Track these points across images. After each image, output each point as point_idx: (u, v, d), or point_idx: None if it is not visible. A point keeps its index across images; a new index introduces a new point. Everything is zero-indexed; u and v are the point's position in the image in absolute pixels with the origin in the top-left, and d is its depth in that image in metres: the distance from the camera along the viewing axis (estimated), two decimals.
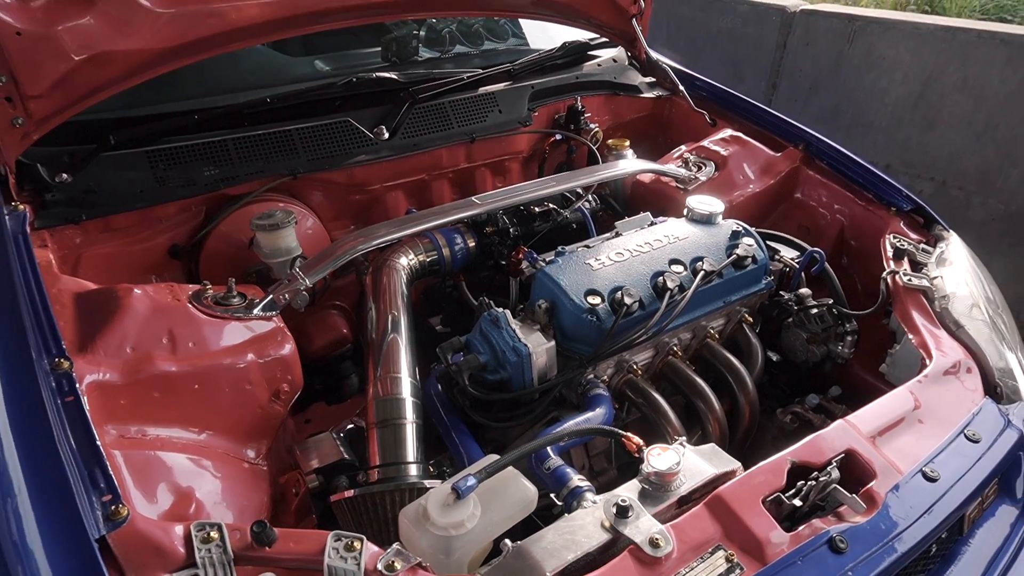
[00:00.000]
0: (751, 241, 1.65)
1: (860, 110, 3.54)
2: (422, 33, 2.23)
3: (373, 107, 1.90)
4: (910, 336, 1.49)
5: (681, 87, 2.34)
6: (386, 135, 1.84)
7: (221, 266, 1.69)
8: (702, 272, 1.52)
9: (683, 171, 1.98)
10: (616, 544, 1.04)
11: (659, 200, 2.00)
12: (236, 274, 1.70)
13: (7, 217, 1.38)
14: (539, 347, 1.37)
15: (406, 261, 1.65)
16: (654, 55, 2.41)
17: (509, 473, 1.12)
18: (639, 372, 1.50)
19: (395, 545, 0.96)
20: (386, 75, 1.93)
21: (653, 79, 2.43)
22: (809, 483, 1.11)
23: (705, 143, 2.10)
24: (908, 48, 3.33)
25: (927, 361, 1.41)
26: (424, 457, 1.29)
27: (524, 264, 1.61)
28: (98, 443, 1.02)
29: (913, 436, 1.25)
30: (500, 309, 1.41)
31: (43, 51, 1.42)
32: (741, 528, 1.04)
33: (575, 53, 2.32)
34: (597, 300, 1.42)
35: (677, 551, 1.00)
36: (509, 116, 2.03)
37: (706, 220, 1.70)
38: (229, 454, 1.30)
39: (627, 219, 1.79)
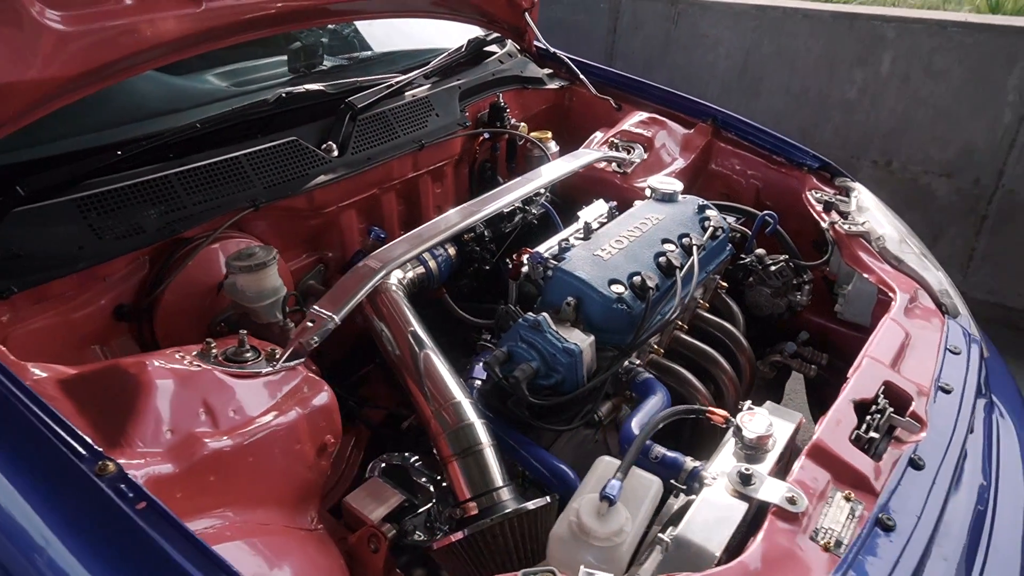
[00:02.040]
0: (714, 212, 1.78)
1: (693, 84, 3.89)
2: (325, 41, 2.09)
3: (309, 123, 1.75)
4: (866, 276, 1.71)
5: (581, 75, 2.43)
6: (336, 151, 1.71)
7: (182, 321, 1.48)
8: (695, 246, 1.61)
9: (628, 156, 2.06)
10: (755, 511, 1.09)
11: (596, 187, 2.07)
12: (200, 327, 1.50)
13: None
14: (585, 344, 1.38)
15: (396, 279, 1.56)
16: (549, 47, 2.47)
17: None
18: (660, 351, 1.56)
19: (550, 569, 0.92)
20: (315, 87, 1.79)
21: (551, 71, 2.49)
22: (875, 416, 1.24)
23: (627, 127, 2.20)
24: (727, 26, 3.73)
25: (891, 295, 1.62)
26: (509, 478, 1.25)
27: (526, 266, 1.59)
28: (206, 545, 0.87)
29: (914, 359, 1.44)
30: (541, 314, 1.39)
31: None
32: (846, 469, 1.15)
33: (477, 50, 2.31)
34: (621, 288, 1.46)
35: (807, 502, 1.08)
36: (447, 119, 1.98)
37: (670, 199, 1.80)
38: (290, 526, 1.16)
39: (587, 208, 1.84)
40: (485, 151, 2.22)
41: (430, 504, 1.28)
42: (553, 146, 2.20)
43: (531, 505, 1.14)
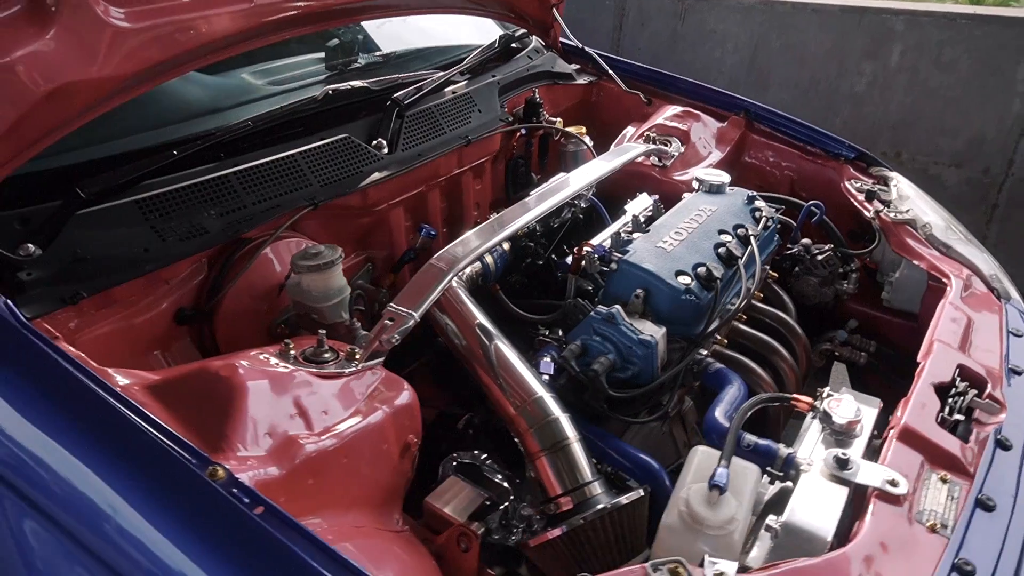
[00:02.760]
0: (762, 203, 1.79)
1: (700, 79, 3.89)
2: (360, 38, 2.06)
3: (356, 120, 1.73)
4: (917, 263, 1.73)
5: (610, 70, 2.43)
6: (386, 148, 1.69)
7: (242, 323, 1.45)
8: (752, 236, 1.62)
9: (668, 150, 2.06)
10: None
11: (635, 181, 2.06)
12: (260, 329, 1.48)
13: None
14: (659, 335, 1.37)
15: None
16: (578, 42, 2.46)
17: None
18: (724, 341, 1.57)
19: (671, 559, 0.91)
20: (360, 84, 1.77)
21: (578, 66, 2.48)
22: (955, 398, 1.25)
23: (661, 121, 2.20)
24: (734, 21, 3.75)
25: (945, 280, 1.64)
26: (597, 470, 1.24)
27: (584, 260, 1.58)
28: (329, 546, 0.86)
29: (980, 343, 1.45)
30: (614, 306, 1.38)
31: None
32: (938, 451, 1.15)
33: (508, 46, 2.30)
34: (687, 279, 1.45)
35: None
36: (489, 115, 1.97)
37: (718, 190, 1.80)
38: (382, 528, 1.15)
39: (632, 202, 1.84)
40: (520, 147, 2.21)
41: (508, 501, 1.27)
42: (587, 141, 2.20)
43: (627, 499, 1.13)
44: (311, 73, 1.97)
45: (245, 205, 1.44)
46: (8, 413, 0.98)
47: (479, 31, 2.35)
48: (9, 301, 1.07)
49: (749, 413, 1.22)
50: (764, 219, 1.71)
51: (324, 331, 1.23)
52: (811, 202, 1.87)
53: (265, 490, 0.96)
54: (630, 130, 2.26)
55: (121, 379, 1.09)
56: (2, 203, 1.26)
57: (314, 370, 1.16)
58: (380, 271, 1.79)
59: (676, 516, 1.02)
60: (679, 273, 1.46)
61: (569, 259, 1.60)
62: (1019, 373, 1.38)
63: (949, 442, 1.17)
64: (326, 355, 1.21)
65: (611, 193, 2.04)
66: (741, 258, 1.54)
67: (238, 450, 1.00)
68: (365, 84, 1.78)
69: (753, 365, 1.53)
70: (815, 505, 1.06)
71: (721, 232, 1.62)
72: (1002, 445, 1.20)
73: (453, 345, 1.39)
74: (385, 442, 1.17)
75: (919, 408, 1.22)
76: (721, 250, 1.56)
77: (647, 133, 2.17)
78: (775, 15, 3.63)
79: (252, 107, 1.73)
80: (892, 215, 1.82)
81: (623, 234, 1.64)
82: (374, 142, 1.68)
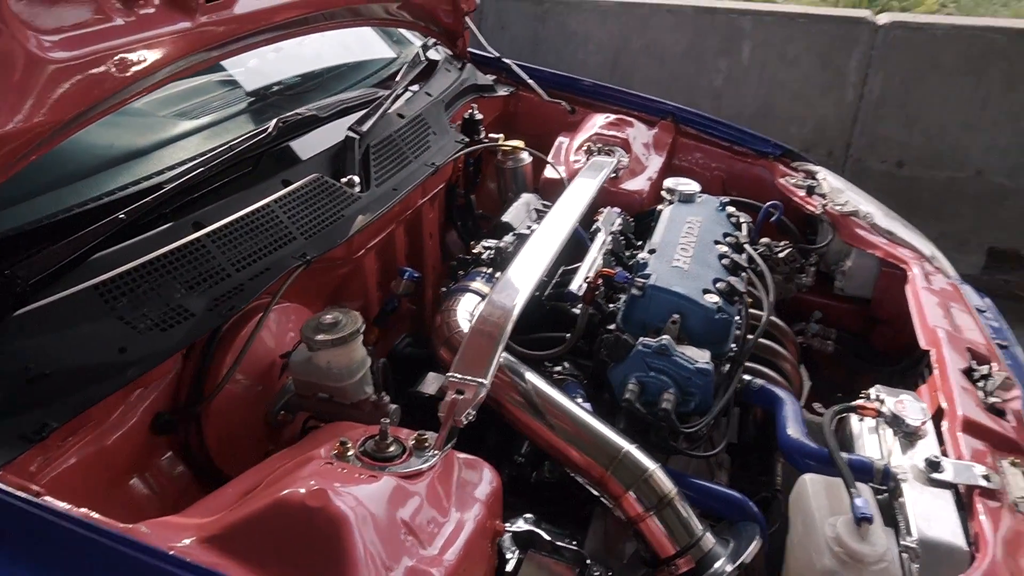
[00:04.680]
0: (732, 208, 1.81)
1: None
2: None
3: (317, 155, 1.49)
4: (870, 252, 1.84)
5: (529, 80, 2.34)
6: (359, 186, 1.47)
7: (237, 416, 1.20)
8: (744, 244, 1.63)
9: (624, 161, 2.02)
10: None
11: None
12: (255, 421, 1.23)
13: None
14: (709, 360, 1.33)
15: (462, 314, 1.40)
16: (495, 52, 2.35)
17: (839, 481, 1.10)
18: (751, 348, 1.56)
19: None
20: (308, 112, 1.52)
21: (495, 77, 2.37)
22: (984, 380, 1.34)
23: (599, 130, 2.16)
24: (595, 23, 3.83)
25: (903, 266, 1.76)
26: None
27: (599, 288, 1.49)
28: None
29: (961, 322, 1.58)
30: (663, 337, 1.31)
31: None
32: (996, 436, 1.22)
33: (427, 59, 2.13)
34: (715, 297, 1.43)
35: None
36: (445, 137, 1.80)
37: (691, 199, 1.80)
38: None
39: (601, 219, 1.78)
40: (459, 168, 2.06)
41: (586, 565, 1.16)
42: (525, 156, 2.11)
43: (753, 548, 1.08)
44: (234, 101, 1.67)
45: (229, 273, 1.17)
46: None
47: (362, 44, 2.14)
48: None
49: (834, 427, 1.21)
50: (745, 224, 1.73)
51: (387, 421, 1.03)
52: (769, 203, 1.93)
53: None
54: (563, 141, 2.19)
55: (162, 536, 0.82)
56: None
57: (400, 471, 0.97)
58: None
59: (832, 558, 0.98)
60: (706, 292, 1.42)
61: (574, 287, 1.51)
62: (1004, 347, 1.51)
63: (1002, 425, 1.24)
64: (391, 448, 1.02)
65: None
66: (751, 268, 1.54)
67: None
68: (313, 112, 1.54)
69: (773, 374, 1.55)
70: (933, 515, 1.07)
71: (716, 243, 1.62)
72: None
73: (507, 410, 1.24)
74: (486, 538, 1.01)
75: (961, 396, 1.29)
76: (725, 262, 1.55)
77: (588, 144, 2.12)
78: (633, 17, 3.76)
79: (180, 146, 1.44)
80: (838, 208, 1.93)
81: (627, 257, 1.57)
82: (344, 179, 1.46)
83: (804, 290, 1.96)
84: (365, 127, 1.54)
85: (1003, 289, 3.47)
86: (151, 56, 1.15)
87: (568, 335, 1.47)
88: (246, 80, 1.75)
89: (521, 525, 1.18)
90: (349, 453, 1.00)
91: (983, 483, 1.11)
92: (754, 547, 1.08)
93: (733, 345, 1.46)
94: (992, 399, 1.31)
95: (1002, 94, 3.34)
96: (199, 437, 1.16)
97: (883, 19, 3.41)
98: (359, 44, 2.13)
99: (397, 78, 1.87)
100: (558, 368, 1.52)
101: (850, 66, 3.52)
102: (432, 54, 2.17)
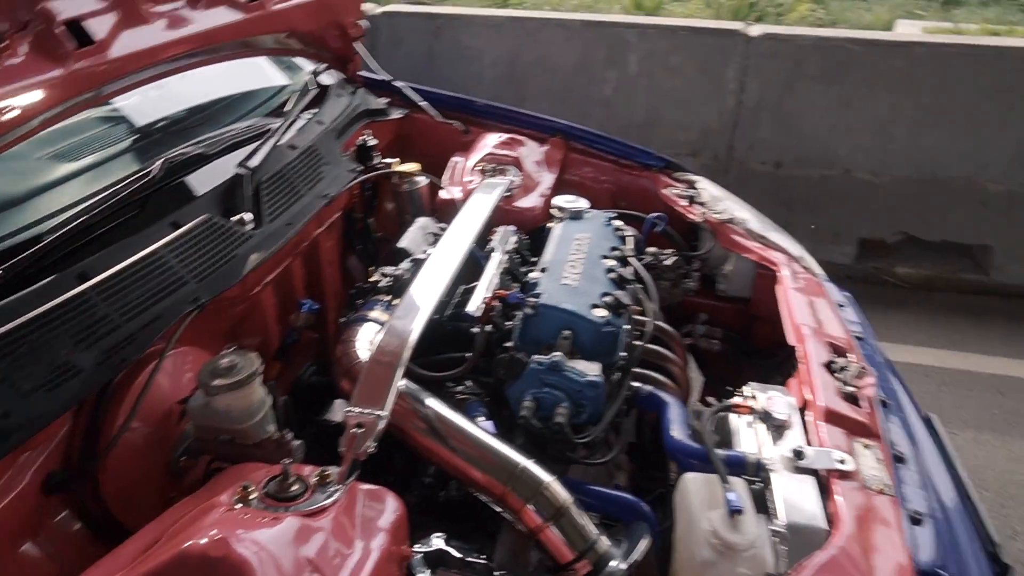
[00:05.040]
0: (620, 222, 1.92)
1: (462, 94, 4.02)
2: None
3: (205, 195, 1.48)
4: (745, 256, 2.00)
5: (422, 101, 2.39)
6: (252, 224, 1.48)
7: (134, 468, 1.19)
8: (629, 257, 1.74)
9: (517, 180, 2.10)
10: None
11: None
12: (155, 469, 1.23)
13: None
14: (600, 372, 1.42)
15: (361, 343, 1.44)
16: (387, 75, 2.38)
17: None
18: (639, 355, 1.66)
19: None
20: (197, 149, 1.52)
21: (388, 99, 2.40)
22: (842, 372, 1.49)
23: (492, 150, 2.23)
24: (488, 37, 3.92)
25: (774, 268, 1.92)
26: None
27: (495, 307, 1.56)
28: None
29: (824, 317, 1.74)
30: (555, 354, 1.39)
31: None
32: (851, 422, 1.36)
33: (320, 85, 2.14)
34: (602, 311, 1.52)
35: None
36: (339, 166, 1.82)
37: (579, 216, 1.90)
38: None
39: (496, 238, 1.85)
40: (356, 194, 2.09)
41: None
42: (422, 180, 2.15)
43: (644, 546, 1.17)
44: (103, 139, 1.63)
45: (119, 324, 1.16)
46: None
47: (252, 72, 2.13)
48: None
49: (713, 428, 1.33)
50: (630, 237, 1.84)
51: (289, 461, 1.05)
52: (654, 214, 2.05)
53: None
54: (459, 161, 2.25)
55: None
56: None
57: (303, 510, 1.00)
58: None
59: (710, 549, 1.08)
60: (594, 306, 1.52)
61: (472, 308, 1.57)
62: (860, 339, 1.68)
63: (856, 412, 1.39)
64: (294, 487, 1.05)
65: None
66: (636, 281, 1.64)
67: None
68: (201, 148, 1.54)
69: (661, 378, 1.66)
70: (798, 500, 1.19)
71: (604, 258, 1.72)
72: (884, 404, 1.46)
73: (409, 436, 1.29)
74: (393, 563, 1.05)
75: (823, 388, 1.43)
76: (612, 275, 1.65)
77: (482, 164, 2.19)
78: (525, 30, 3.88)
79: (60, 192, 1.40)
80: (716, 216, 2.08)
81: (522, 275, 1.65)
82: (236, 217, 1.46)
83: (691, 294, 2.10)
84: (255, 162, 1.55)
85: (873, 276, 3.80)
86: (22, 105, 1.13)
87: (469, 354, 1.53)
88: (129, 116, 1.71)
89: (432, 544, 1.24)
90: (252, 496, 1.02)
91: (839, 466, 1.24)
92: (644, 545, 1.17)
93: (624, 354, 1.56)
94: (849, 388, 1.46)
95: (861, 99, 3.65)
96: (96, 493, 1.15)
97: (754, 31, 3.66)
98: (248, 72, 2.12)
99: (288, 107, 1.88)
100: (460, 387, 1.58)
101: (728, 75, 3.75)
102: (324, 78, 2.19)
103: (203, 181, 1.52)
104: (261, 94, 2.05)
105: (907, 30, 8.84)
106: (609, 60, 3.85)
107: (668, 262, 2.04)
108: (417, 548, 1.21)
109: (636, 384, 1.55)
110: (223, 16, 1.57)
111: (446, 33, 3.97)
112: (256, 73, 2.15)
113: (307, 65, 2.25)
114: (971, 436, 2.91)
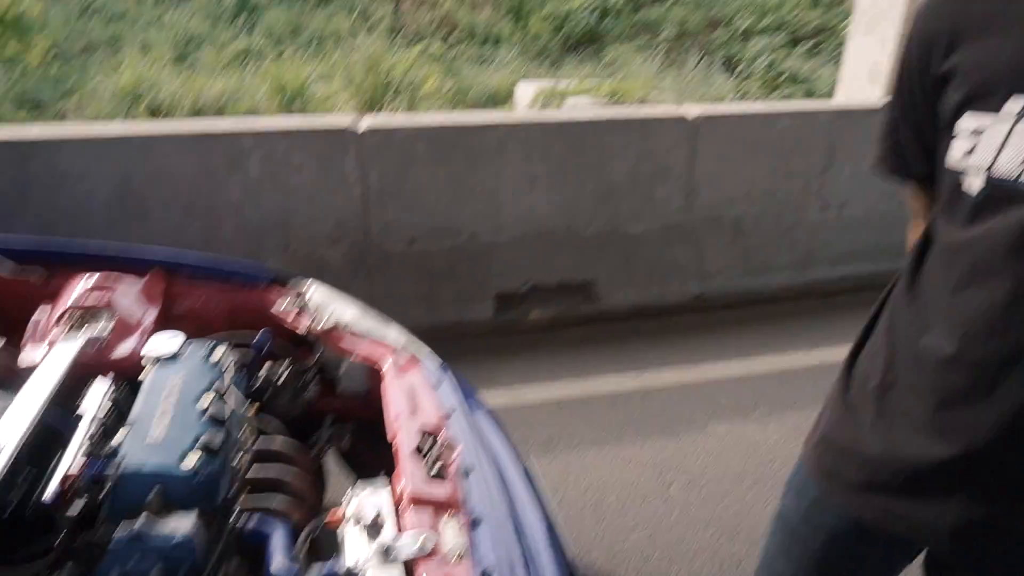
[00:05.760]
0: (219, 353, 1.94)
1: (71, 223, 3.69)
2: None
3: None
4: (351, 359, 2.16)
5: None
6: None
7: None
8: (225, 390, 1.77)
9: (98, 332, 1.98)
10: None
11: (76, 371, 1.94)
12: None
13: None
14: (196, 527, 1.42)
15: None
16: None
17: None
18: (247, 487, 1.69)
19: None
20: None
21: None
22: (430, 453, 1.70)
23: (74, 302, 2.09)
24: (92, 158, 3.65)
25: (378, 364, 2.11)
26: None
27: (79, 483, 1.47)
28: None
29: (421, 401, 1.96)
30: (136, 522, 1.36)
31: None
32: (436, 500, 1.56)
33: None
34: (193, 458, 1.53)
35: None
36: None
37: (175, 357, 1.88)
38: None
39: (88, 397, 1.76)
40: None
41: None
42: None
43: None
44: None
45: None
46: None
47: None
48: None
49: (305, 552, 1.41)
50: (227, 367, 1.87)
51: None
52: (259, 334, 2.11)
53: None
54: (42, 315, 2.08)
55: None
56: None
57: None
58: None
59: None
60: (183, 456, 1.52)
61: (49, 494, 1.47)
62: (449, 416, 1.93)
63: (441, 488, 1.59)
64: None
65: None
66: (232, 414, 1.68)
67: None
68: None
69: (276, 499, 1.71)
70: None
71: (198, 398, 1.72)
72: (466, 472, 1.69)
73: None
74: None
75: (411, 475, 1.62)
76: (206, 416, 1.66)
77: (68, 314, 2.04)
78: (133, 148, 3.70)
79: None
80: (321, 326, 2.21)
81: (101, 444, 1.58)
82: None
83: (312, 403, 2.20)
84: None
85: (513, 325, 4.32)
86: None
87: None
88: None
89: None
90: None
91: (423, 548, 1.42)
92: None
93: (234, 488, 1.58)
94: (436, 466, 1.67)
95: (467, 173, 4.17)
96: None
97: (362, 126, 3.97)
98: None
99: None
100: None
101: (348, 167, 4.01)
102: None
103: None
104: None
105: (526, 89, 10.29)
106: (229, 166, 3.85)
107: (282, 379, 2.11)
108: None
109: (242, 519, 1.58)
110: None
111: (37, 158, 3.62)
112: None
113: None
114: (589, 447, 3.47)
